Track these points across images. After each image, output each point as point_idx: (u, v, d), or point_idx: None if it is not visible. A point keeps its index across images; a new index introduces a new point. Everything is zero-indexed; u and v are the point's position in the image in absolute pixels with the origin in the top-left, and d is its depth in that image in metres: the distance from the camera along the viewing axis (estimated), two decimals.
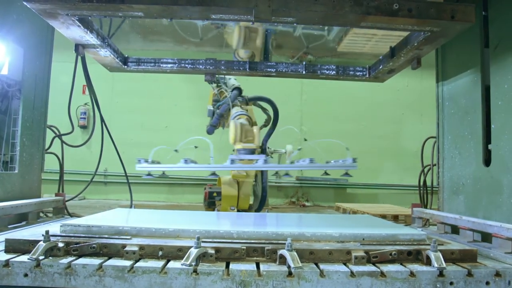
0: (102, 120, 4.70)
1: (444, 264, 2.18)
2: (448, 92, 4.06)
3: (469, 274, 2.21)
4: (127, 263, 2.19)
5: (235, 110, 4.64)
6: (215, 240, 2.43)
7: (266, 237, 2.50)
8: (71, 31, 3.11)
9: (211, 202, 5.41)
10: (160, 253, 2.30)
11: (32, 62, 3.93)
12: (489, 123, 3.34)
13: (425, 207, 4.61)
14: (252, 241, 2.45)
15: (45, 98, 4.22)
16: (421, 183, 4.64)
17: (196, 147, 3.75)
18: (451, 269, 2.23)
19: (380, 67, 3.96)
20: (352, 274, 2.16)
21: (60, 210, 4.28)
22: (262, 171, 4.97)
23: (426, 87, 8.68)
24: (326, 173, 3.56)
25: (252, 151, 3.99)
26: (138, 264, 2.18)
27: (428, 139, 4.61)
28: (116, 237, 2.44)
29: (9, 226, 3.33)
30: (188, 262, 2.11)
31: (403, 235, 2.58)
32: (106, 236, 2.46)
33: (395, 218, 5.44)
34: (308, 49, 7.22)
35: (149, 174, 3.51)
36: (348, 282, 2.14)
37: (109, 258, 2.28)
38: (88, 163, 4.62)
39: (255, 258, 2.34)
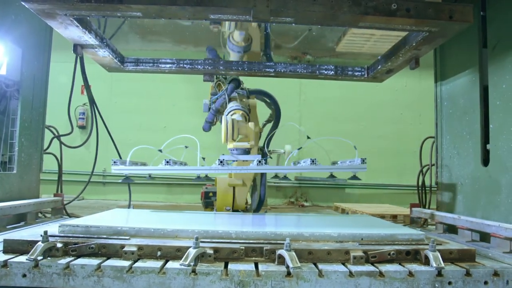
0: (102, 120, 4.70)
1: (442, 264, 2.19)
2: (446, 92, 4.07)
3: (468, 273, 2.22)
4: (126, 263, 2.18)
5: (231, 105, 4.23)
6: (214, 240, 2.43)
7: (264, 237, 2.50)
8: (70, 31, 3.10)
9: (208, 202, 5.38)
10: (159, 253, 2.30)
11: (30, 62, 3.92)
12: (487, 123, 3.35)
13: (424, 207, 4.61)
14: (251, 241, 2.45)
15: (43, 98, 4.22)
16: (420, 183, 4.64)
17: (186, 147, 3.59)
18: (449, 268, 2.23)
19: (379, 67, 3.96)
20: (351, 274, 2.17)
21: (59, 211, 4.28)
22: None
23: (424, 87, 8.69)
24: (332, 175, 3.44)
25: (246, 151, 3.79)
26: (136, 264, 2.18)
27: (426, 139, 4.62)
28: (115, 237, 2.44)
29: (8, 227, 3.32)
30: (186, 262, 2.11)
31: (402, 235, 2.59)
32: (105, 236, 2.46)
33: (394, 218, 5.44)
34: (307, 49, 7.24)
35: (127, 178, 3.40)
36: (346, 282, 2.14)
37: (108, 258, 2.28)
38: (86, 163, 4.62)
39: (253, 258, 2.34)
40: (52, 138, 4.50)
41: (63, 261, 2.17)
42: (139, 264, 2.19)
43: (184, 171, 3.28)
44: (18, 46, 3.72)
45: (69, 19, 2.86)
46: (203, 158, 3.56)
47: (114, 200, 8.67)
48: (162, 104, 9.18)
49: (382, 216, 5.27)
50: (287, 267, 2.15)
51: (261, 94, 4.79)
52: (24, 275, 2.12)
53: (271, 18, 2.76)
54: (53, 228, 2.66)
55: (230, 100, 4.24)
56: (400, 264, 2.31)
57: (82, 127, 8.97)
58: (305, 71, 4.23)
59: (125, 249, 2.28)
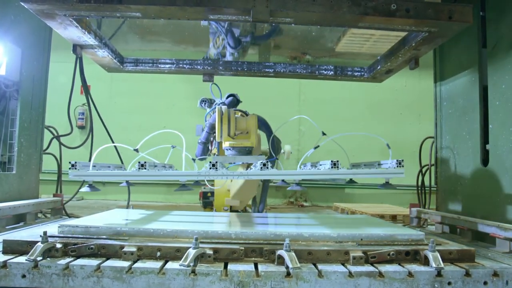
0: (101, 120, 4.70)
1: (442, 264, 2.19)
2: (446, 92, 4.07)
3: (467, 274, 2.22)
4: (125, 264, 2.18)
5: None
6: (213, 241, 2.43)
7: (264, 238, 2.50)
8: (69, 31, 3.10)
9: (207, 202, 5.37)
10: (158, 253, 2.30)
11: (30, 62, 3.92)
12: (487, 123, 3.35)
13: (423, 207, 4.62)
14: (250, 241, 2.46)
15: (42, 99, 4.21)
16: (419, 183, 4.64)
17: (174, 146, 3.08)
18: (449, 269, 2.23)
19: (378, 67, 3.96)
20: (350, 274, 2.17)
21: (58, 211, 4.27)
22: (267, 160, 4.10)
23: (424, 87, 8.68)
24: (352, 180, 2.97)
25: (246, 151, 3.22)
26: (136, 265, 2.18)
27: (426, 139, 4.62)
28: (114, 237, 2.44)
29: (7, 227, 3.32)
30: (186, 263, 2.11)
31: (401, 235, 2.59)
32: (104, 237, 2.46)
33: (393, 218, 5.44)
34: (306, 49, 7.23)
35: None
36: (346, 282, 2.14)
37: (107, 259, 2.28)
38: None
39: (253, 258, 2.34)
40: (52, 139, 4.50)
41: (63, 261, 2.17)
42: (138, 264, 2.19)
43: (163, 177, 2.67)
44: (18, 46, 3.71)
45: (69, 19, 2.86)
46: (193, 160, 3.15)
47: (113, 200, 8.66)
48: (162, 104, 9.18)
49: (382, 216, 5.28)
50: (287, 267, 2.15)
51: (263, 125, 3.82)
52: (24, 276, 2.12)
53: (271, 19, 2.76)
54: (52, 228, 2.66)
55: None
56: (399, 264, 2.31)
57: (81, 127, 8.98)
58: (304, 71, 4.24)
59: (124, 249, 2.28)
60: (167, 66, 4.16)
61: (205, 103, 4.03)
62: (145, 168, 2.64)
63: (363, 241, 2.52)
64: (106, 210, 3.70)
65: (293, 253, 2.18)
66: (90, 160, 4.51)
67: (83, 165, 2.72)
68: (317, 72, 4.27)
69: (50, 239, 2.29)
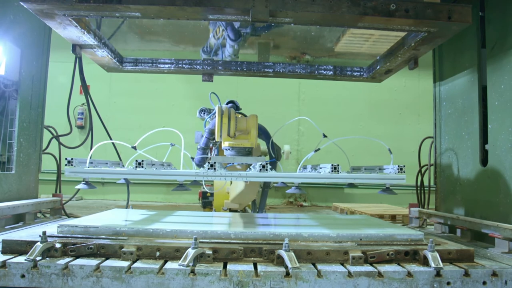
0: (101, 120, 4.69)
1: (441, 264, 2.19)
2: (445, 92, 4.07)
3: (466, 274, 2.22)
4: (125, 263, 2.18)
5: None
6: (213, 241, 2.43)
7: (263, 238, 2.51)
8: (68, 31, 3.10)
9: (206, 202, 5.37)
10: (158, 253, 2.30)
11: (29, 62, 3.92)
12: (486, 123, 3.35)
13: (423, 207, 4.62)
14: (250, 241, 2.46)
15: (42, 99, 4.21)
16: (419, 183, 4.65)
17: (173, 144, 3.06)
18: (448, 269, 2.23)
19: (378, 67, 3.96)
20: (350, 274, 2.17)
21: (58, 211, 4.27)
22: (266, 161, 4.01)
23: (423, 87, 8.71)
24: (352, 184, 2.99)
25: (246, 151, 3.21)
26: (135, 264, 2.18)
27: (425, 139, 4.62)
28: (114, 237, 2.44)
29: (6, 227, 3.32)
30: (185, 263, 2.11)
31: (401, 235, 2.59)
32: (104, 236, 2.46)
33: (393, 218, 5.45)
34: (305, 49, 7.22)
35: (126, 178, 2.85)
36: (345, 282, 2.14)
37: (107, 258, 2.28)
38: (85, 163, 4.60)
39: (252, 258, 2.34)
40: (51, 138, 4.50)
41: (62, 261, 2.17)
42: (138, 264, 2.19)
43: (161, 176, 2.63)
44: (17, 46, 3.71)
45: (68, 19, 2.85)
46: (192, 158, 3.17)
47: (113, 200, 8.67)
48: (161, 104, 9.19)
49: (381, 216, 5.28)
50: (286, 267, 2.15)
51: (263, 133, 3.78)
52: (23, 276, 2.12)
53: (270, 19, 2.76)
54: (51, 228, 2.66)
55: None
56: (399, 264, 2.31)
57: (80, 127, 8.97)
58: (304, 71, 4.24)
59: (124, 249, 2.28)
60: (167, 66, 4.16)
61: (204, 113, 4.02)
62: (142, 167, 2.61)
63: (362, 241, 2.53)
64: (105, 210, 3.70)
65: (293, 253, 2.19)
66: (88, 161, 4.53)
67: (80, 162, 2.71)
68: (316, 72, 4.27)
69: (49, 239, 2.29)
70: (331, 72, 4.30)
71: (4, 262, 2.15)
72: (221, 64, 4.19)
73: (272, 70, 4.24)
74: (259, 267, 2.20)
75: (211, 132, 3.53)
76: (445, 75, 4.08)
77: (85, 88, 4.47)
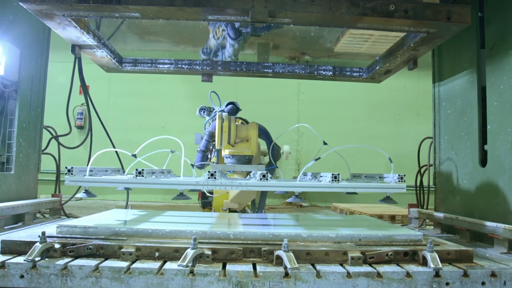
0: (100, 121, 4.69)
1: (440, 265, 2.19)
2: (444, 92, 4.07)
3: (465, 274, 2.22)
4: (124, 264, 2.18)
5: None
6: (212, 241, 2.43)
7: (262, 238, 2.51)
8: (68, 31, 3.10)
9: (206, 202, 5.35)
10: (157, 254, 2.30)
11: (28, 62, 3.92)
12: (485, 123, 3.35)
13: (422, 207, 4.62)
14: (249, 242, 2.46)
15: (41, 99, 4.21)
16: (418, 184, 4.65)
17: (173, 151, 3.06)
18: (447, 269, 2.23)
19: (377, 68, 3.97)
20: (349, 274, 2.17)
21: (57, 211, 4.27)
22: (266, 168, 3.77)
23: (423, 87, 8.70)
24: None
25: (246, 159, 3.23)
26: (134, 265, 2.18)
27: (424, 139, 4.63)
28: (113, 238, 2.44)
29: (5, 227, 3.32)
30: (184, 263, 2.12)
31: (400, 235, 2.59)
32: (103, 237, 2.46)
33: (392, 219, 5.45)
34: (305, 50, 7.23)
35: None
36: (344, 282, 2.14)
37: (106, 259, 2.28)
38: (85, 163, 4.59)
39: (251, 259, 2.34)
40: (50, 139, 4.50)
41: (61, 262, 2.17)
42: (137, 265, 2.19)
43: (161, 186, 2.62)
44: (16, 46, 3.71)
45: (67, 19, 2.85)
46: (192, 165, 3.15)
47: (112, 200, 8.66)
48: (161, 104, 9.19)
49: (380, 217, 5.29)
50: (285, 268, 2.15)
51: (263, 133, 3.73)
52: (22, 276, 2.12)
53: (269, 19, 2.76)
54: (51, 228, 2.66)
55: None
56: (398, 265, 2.32)
57: (80, 127, 8.97)
58: (303, 71, 4.24)
59: (123, 249, 2.28)
60: (166, 66, 4.16)
61: (204, 111, 4.02)
62: (142, 176, 2.61)
63: (361, 241, 2.53)
64: (105, 210, 3.70)
65: (292, 254, 2.19)
66: (88, 162, 4.53)
67: (80, 170, 2.69)
68: (316, 72, 4.27)
69: (48, 240, 2.29)
70: (331, 73, 4.31)
71: (3, 262, 2.15)
72: (221, 65, 4.20)
73: (271, 70, 4.24)
74: (258, 268, 2.20)
75: (211, 135, 3.53)
76: (444, 75, 4.08)
77: (84, 88, 4.47)
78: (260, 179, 2.62)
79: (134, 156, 2.93)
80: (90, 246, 2.31)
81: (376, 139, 9.00)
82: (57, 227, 2.54)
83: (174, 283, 2.11)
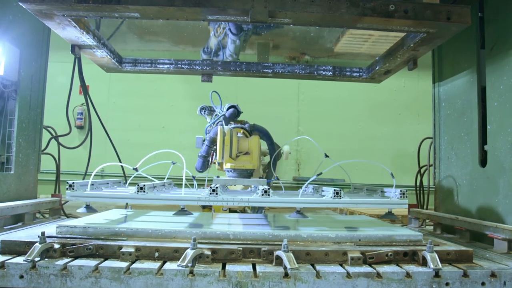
0: (100, 121, 4.69)
1: (440, 265, 2.19)
2: (444, 93, 4.07)
3: (465, 274, 2.22)
4: (123, 264, 2.18)
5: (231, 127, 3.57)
6: (212, 241, 2.43)
7: (262, 238, 2.51)
8: (67, 31, 3.10)
9: None
10: (157, 254, 2.30)
11: (28, 62, 3.91)
12: (485, 124, 3.35)
13: (422, 207, 4.62)
14: (249, 242, 2.46)
15: (41, 99, 4.21)
16: (418, 184, 4.65)
17: (174, 163, 3.10)
18: (447, 269, 2.23)
19: (377, 68, 3.97)
20: (348, 275, 2.17)
21: (57, 211, 4.26)
22: (267, 169, 3.92)
23: (423, 88, 8.70)
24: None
25: (247, 173, 3.24)
26: (134, 265, 2.18)
27: (424, 139, 4.62)
28: (112, 238, 2.44)
29: (5, 227, 3.31)
30: (184, 263, 2.11)
31: (400, 236, 2.59)
32: (102, 237, 2.46)
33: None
34: (305, 50, 7.22)
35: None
36: (344, 283, 2.14)
37: (105, 259, 2.28)
38: (85, 163, 4.60)
39: (251, 259, 2.34)
40: (50, 139, 4.49)
41: (61, 262, 2.17)
42: (136, 265, 2.19)
43: (163, 202, 2.68)
44: (16, 47, 3.71)
45: (67, 19, 2.85)
46: (193, 177, 3.18)
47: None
48: (161, 104, 9.18)
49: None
50: (285, 268, 2.15)
51: (264, 135, 3.78)
52: (22, 276, 2.12)
53: (269, 19, 2.76)
54: (50, 229, 2.66)
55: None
56: (397, 265, 2.32)
57: (80, 127, 8.97)
58: (303, 71, 4.24)
59: (122, 250, 2.28)
60: (166, 66, 4.16)
61: (204, 111, 4.02)
62: (144, 191, 2.62)
63: (361, 241, 2.53)
64: (105, 210, 3.69)
65: (291, 254, 2.19)
66: (88, 162, 4.54)
67: (81, 185, 2.70)
68: (315, 72, 4.27)
69: (48, 240, 2.29)
70: (331, 73, 4.31)
71: (2, 262, 2.15)
72: (220, 65, 4.19)
73: (271, 70, 4.25)
74: (258, 268, 2.20)
75: (212, 141, 3.53)
76: (444, 75, 4.08)
77: (84, 88, 4.46)
78: (262, 194, 2.64)
79: (136, 169, 2.98)
80: (89, 246, 2.31)
81: (376, 139, 9.01)
82: (57, 227, 2.54)
83: (174, 283, 2.11)
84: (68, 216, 4.40)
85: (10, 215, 3.40)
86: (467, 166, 3.60)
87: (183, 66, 4.15)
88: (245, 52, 4.66)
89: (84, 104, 8.58)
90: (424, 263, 2.28)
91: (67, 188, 2.60)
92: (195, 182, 3.21)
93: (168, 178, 3.36)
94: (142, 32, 6.27)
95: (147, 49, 7.76)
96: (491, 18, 3.34)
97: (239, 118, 3.77)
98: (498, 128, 3.16)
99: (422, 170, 4.63)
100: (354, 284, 2.14)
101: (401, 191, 2.70)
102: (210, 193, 2.61)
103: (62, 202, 4.39)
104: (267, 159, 3.96)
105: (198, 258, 2.23)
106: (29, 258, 2.12)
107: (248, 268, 2.20)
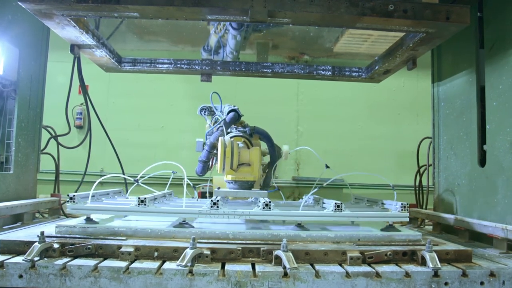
0: (99, 121, 4.69)
1: (439, 265, 2.20)
2: (443, 92, 4.07)
3: (464, 274, 2.22)
4: (123, 264, 2.18)
5: (229, 131, 3.62)
6: (211, 241, 2.44)
7: (261, 238, 2.51)
8: (67, 31, 3.10)
9: None
10: (156, 254, 2.30)
11: (27, 62, 3.91)
12: (484, 123, 3.35)
13: (421, 207, 4.62)
14: (248, 241, 2.46)
15: (40, 98, 4.20)
16: (417, 184, 4.65)
17: (174, 172, 3.13)
18: (446, 269, 2.24)
19: (376, 68, 3.97)
20: (348, 274, 2.17)
21: (56, 211, 4.26)
22: (268, 168, 3.93)
23: (422, 87, 8.68)
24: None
25: (248, 184, 3.25)
26: (133, 265, 2.18)
27: (423, 139, 4.63)
28: (112, 237, 2.44)
29: (4, 227, 3.31)
30: (183, 263, 2.11)
31: (399, 235, 2.60)
32: (102, 237, 2.46)
33: None
34: (304, 50, 7.23)
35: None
36: (343, 282, 2.14)
37: (105, 259, 2.28)
38: (84, 163, 4.61)
39: (250, 258, 2.35)
40: (49, 138, 4.49)
41: (60, 261, 2.17)
42: (136, 264, 2.19)
43: (164, 214, 2.69)
44: (15, 46, 3.70)
45: (66, 19, 2.85)
46: (194, 187, 3.24)
47: None
48: (160, 104, 9.16)
49: None
50: (284, 267, 2.15)
51: (265, 137, 3.82)
52: (21, 276, 2.12)
53: (269, 19, 2.76)
54: (50, 228, 2.66)
55: (228, 133, 3.56)
56: (396, 264, 2.32)
57: (79, 127, 8.94)
58: (302, 71, 4.24)
59: (122, 249, 2.28)
60: (165, 66, 4.16)
61: (205, 112, 4.01)
62: (144, 204, 2.62)
63: (360, 241, 2.53)
64: None
65: (291, 254, 2.19)
66: (87, 162, 4.54)
67: (82, 197, 2.71)
68: (315, 72, 4.27)
69: (47, 239, 2.29)
70: (330, 73, 4.31)
71: (2, 262, 2.15)
72: (220, 64, 4.19)
73: (270, 70, 4.24)
74: (257, 267, 2.20)
75: (212, 146, 3.56)
76: (443, 75, 4.08)
77: (83, 88, 4.46)
78: (263, 208, 2.66)
79: (137, 181, 3.00)
80: (89, 246, 2.31)
81: (375, 139, 8.99)
82: (56, 227, 2.54)
83: (173, 283, 2.11)
84: (67, 215, 4.39)
85: (9, 214, 3.40)
86: (466, 166, 3.60)
87: (182, 66, 4.15)
88: (244, 51, 4.66)
89: (83, 104, 8.55)
90: (423, 262, 2.29)
91: (67, 201, 2.61)
92: (195, 191, 3.21)
93: (169, 180, 3.39)
94: (142, 32, 6.28)
95: (147, 49, 7.77)
96: (490, 18, 3.34)
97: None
98: (497, 128, 3.16)
99: (421, 170, 4.63)
100: (353, 283, 2.14)
101: (402, 204, 2.73)
102: (211, 206, 2.62)
103: (61, 202, 4.39)
104: (266, 159, 3.96)
105: (198, 258, 2.23)
106: (28, 258, 2.12)
107: (247, 267, 2.20)
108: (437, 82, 4.19)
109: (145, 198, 2.65)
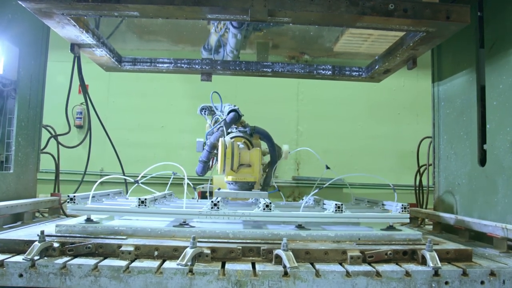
0: (99, 120, 4.69)
1: (439, 264, 2.19)
2: (443, 92, 4.07)
3: (464, 273, 2.22)
4: (123, 263, 2.18)
5: (229, 131, 3.63)
6: (211, 240, 2.43)
7: (262, 237, 2.51)
8: (67, 30, 3.10)
9: None
10: (156, 253, 2.30)
11: (27, 61, 3.91)
12: (484, 123, 3.35)
13: (421, 207, 4.62)
14: (248, 241, 2.46)
15: (40, 98, 4.20)
16: (417, 183, 4.65)
17: (175, 173, 3.15)
18: (446, 268, 2.24)
19: (376, 67, 3.97)
20: (348, 274, 2.17)
21: (56, 210, 4.26)
22: (268, 168, 3.93)
23: (422, 87, 8.66)
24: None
25: (248, 185, 3.28)
26: (133, 264, 2.18)
27: (424, 139, 4.63)
28: (112, 237, 2.44)
29: (4, 226, 3.31)
30: (183, 262, 2.11)
31: (399, 235, 2.60)
32: (102, 236, 2.46)
33: None
34: (304, 49, 7.22)
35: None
36: (343, 282, 2.14)
37: (105, 258, 2.28)
38: (84, 163, 4.61)
39: (250, 258, 2.34)
40: (49, 138, 4.49)
41: (60, 261, 2.17)
42: (136, 264, 2.19)
43: (164, 215, 2.70)
44: (15, 45, 3.70)
45: (66, 18, 2.85)
46: (194, 188, 3.23)
47: None
48: (160, 103, 9.15)
49: None
50: (284, 267, 2.15)
51: (265, 137, 3.84)
52: (21, 275, 2.12)
53: (269, 18, 2.76)
54: (50, 227, 2.66)
55: (228, 133, 3.57)
56: (397, 264, 2.32)
57: (79, 127, 8.94)
58: (302, 71, 4.24)
59: (122, 248, 2.28)
60: (165, 65, 4.16)
61: (205, 111, 4.02)
62: (145, 205, 2.63)
63: (360, 240, 2.53)
64: None
65: (291, 253, 2.19)
66: (87, 162, 4.53)
67: (82, 198, 2.71)
68: (315, 71, 4.27)
69: (47, 239, 2.29)
70: (330, 72, 4.31)
71: (2, 261, 2.15)
72: (220, 64, 4.19)
73: (270, 70, 4.24)
74: (257, 267, 2.20)
75: (213, 146, 3.58)
76: (443, 75, 4.08)
77: (83, 88, 4.46)
78: (264, 209, 2.66)
79: (137, 182, 3.01)
80: (89, 245, 2.31)
81: (375, 139, 8.99)
82: (56, 226, 2.54)
83: (173, 282, 2.11)
84: (67, 215, 4.39)
85: (9, 214, 3.40)
86: (466, 165, 3.60)
87: (182, 65, 4.15)
88: (245, 51, 4.66)
89: (83, 103, 8.56)
90: (423, 262, 2.29)
91: (68, 202, 2.62)
92: (195, 192, 3.25)
93: (169, 181, 3.38)
94: (142, 31, 6.28)
95: (147, 48, 7.77)
96: (490, 17, 3.34)
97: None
98: (497, 127, 3.16)
99: (421, 170, 4.63)
100: (353, 283, 2.14)
101: (402, 205, 2.72)
102: (212, 207, 2.62)
103: (61, 201, 4.39)
104: (266, 158, 3.96)
105: (198, 257, 2.23)
106: (28, 257, 2.12)
107: (247, 267, 2.20)
108: (437, 81, 4.19)
109: (145, 199, 2.65)
